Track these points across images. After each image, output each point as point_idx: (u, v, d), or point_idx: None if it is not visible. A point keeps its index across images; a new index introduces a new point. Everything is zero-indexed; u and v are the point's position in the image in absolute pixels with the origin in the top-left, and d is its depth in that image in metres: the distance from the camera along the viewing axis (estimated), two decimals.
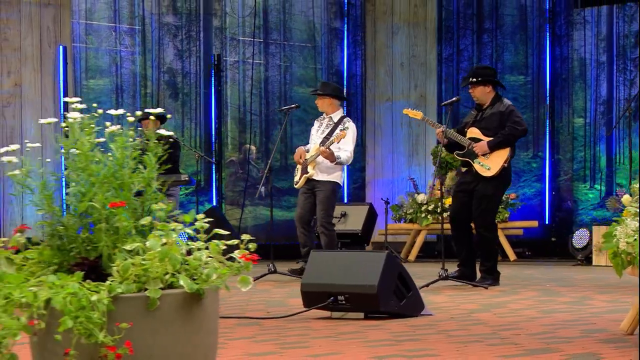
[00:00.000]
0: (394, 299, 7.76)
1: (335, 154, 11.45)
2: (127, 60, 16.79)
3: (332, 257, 8.89)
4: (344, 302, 7.79)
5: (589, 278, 11.61)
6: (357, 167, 18.27)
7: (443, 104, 12.30)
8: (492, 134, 10.56)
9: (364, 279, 7.79)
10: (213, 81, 17.14)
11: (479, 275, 10.34)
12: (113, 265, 3.75)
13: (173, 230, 3.78)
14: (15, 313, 3.56)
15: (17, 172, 3.93)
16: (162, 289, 3.62)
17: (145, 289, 3.57)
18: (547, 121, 17.72)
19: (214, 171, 16.76)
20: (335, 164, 11.64)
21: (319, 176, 11.57)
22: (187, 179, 13.90)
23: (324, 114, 11.92)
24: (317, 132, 11.93)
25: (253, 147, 17.23)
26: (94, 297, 3.49)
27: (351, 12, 18.43)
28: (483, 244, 10.71)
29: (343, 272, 8.14)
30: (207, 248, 3.81)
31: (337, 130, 11.58)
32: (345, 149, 11.54)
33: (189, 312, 3.68)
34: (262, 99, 17.43)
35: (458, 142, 10.70)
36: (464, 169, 11.10)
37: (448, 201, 14.96)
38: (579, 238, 15.09)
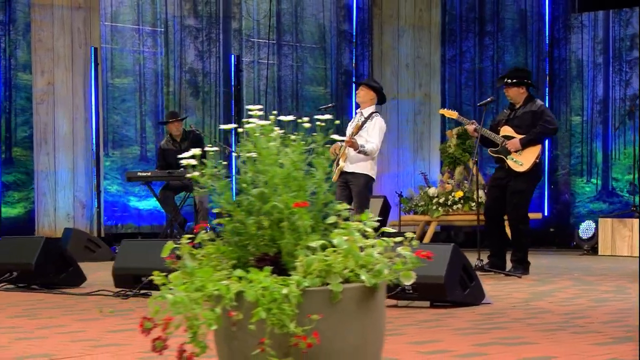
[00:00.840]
0: (458, 288, 7.90)
1: (359, 143, 11.22)
2: (150, 60, 16.73)
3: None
4: (411, 291, 7.83)
5: (608, 267, 11.74)
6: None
7: (479, 104, 12.19)
8: (524, 132, 10.64)
9: (432, 270, 7.41)
10: (232, 80, 17.12)
11: (508, 265, 10.39)
12: (295, 260, 3.84)
13: (353, 229, 3.83)
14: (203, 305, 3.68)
15: (196, 173, 4.06)
16: (341, 283, 3.73)
17: (326, 283, 3.66)
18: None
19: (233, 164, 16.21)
20: (359, 153, 11.32)
21: (350, 168, 11.25)
22: None
23: (359, 109, 11.61)
24: (349, 127, 11.62)
25: None
26: (285, 290, 3.58)
27: (359, 16, 18.51)
28: (516, 235, 10.89)
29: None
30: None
31: (369, 122, 11.36)
32: (371, 140, 11.25)
33: (366, 305, 3.75)
34: (276, 98, 17.51)
35: (492, 139, 10.81)
36: (497, 165, 11.12)
37: (458, 194, 15.26)
38: (585, 229, 15.21)
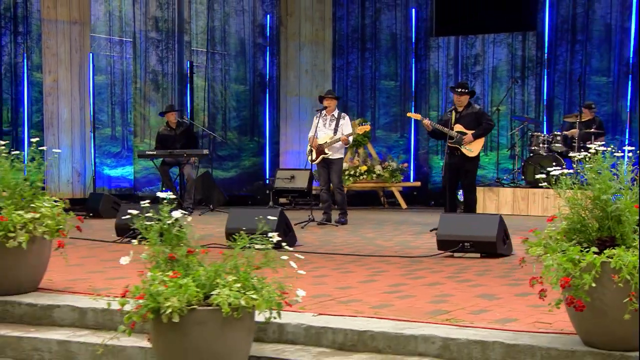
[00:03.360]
0: (501, 245, 9.87)
1: (347, 136, 13.87)
2: (121, 63, 19.24)
3: (460, 217, 11.10)
4: (469, 247, 9.83)
5: None
6: (274, 141, 21.20)
7: (408, 114, 14.85)
8: (471, 128, 12.79)
9: (486, 232, 9.91)
10: (188, 80, 19.81)
11: None
12: (632, 243, 5.09)
13: None
14: None
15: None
16: None
17: None
18: (413, 109, 20.56)
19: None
20: (346, 144, 14.33)
21: (333, 156, 13.98)
22: (206, 152, 16.71)
23: (325, 112, 14.21)
24: (324, 126, 14.19)
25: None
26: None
27: (271, 32, 21.15)
28: (469, 200, 13.13)
29: (469, 228, 10.22)
30: None
31: (341, 121, 14.10)
32: (347, 132, 13.99)
33: None
34: (209, 92, 20.22)
35: (444, 132, 12.87)
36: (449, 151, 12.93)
37: (363, 168, 18.28)
38: (461, 194, 15.95)
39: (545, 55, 19.67)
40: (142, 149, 18.59)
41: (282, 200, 19.13)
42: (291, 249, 6.13)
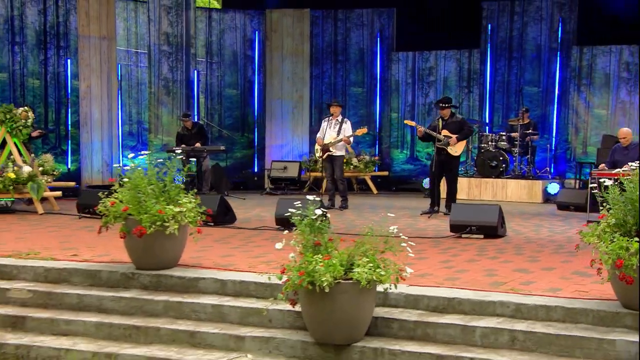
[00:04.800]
0: (500, 228, 10.61)
1: (346, 136, 14.23)
2: (138, 72, 19.76)
3: (467, 207, 11.56)
4: (475, 230, 10.56)
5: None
6: (261, 137, 21.46)
7: (406, 122, 15.17)
8: (455, 133, 13.31)
9: (488, 218, 10.65)
10: (195, 86, 20.25)
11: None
12: None
13: None
14: None
15: None
16: None
17: None
18: (376, 113, 21.26)
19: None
20: (347, 143, 14.62)
21: (336, 153, 14.32)
22: (223, 149, 17.22)
23: (331, 117, 14.53)
24: (329, 128, 14.42)
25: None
26: None
27: (258, 46, 21.50)
28: (451, 189, 13.57)
29: (475, 213, 10.86)
30: None
31: (343, 125, 14.35)
32: (348, 134, 14.34)
33: None
34: (209, 96, 20.81)
35: (435, 136, 13.32)
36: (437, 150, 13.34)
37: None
38: (425, 183, 17.98)
39: (487, 68, 20.38)
40: (155, 143, 19.30)
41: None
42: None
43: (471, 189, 17.67)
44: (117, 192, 8.17)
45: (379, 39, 21.40)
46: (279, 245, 6.89)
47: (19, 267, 8.52)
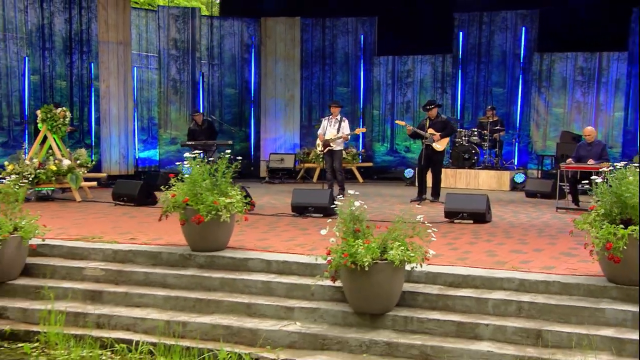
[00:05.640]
0: (487, 214, 11.22)
1: (345, 134, 14.54)
2: (148, 73, 20.20)
3: (459, 196, 11.80)
4: (466, 216, 11.12)
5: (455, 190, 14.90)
6: (256, 131, 21.75)
7: (416, 127, 14.42)
8: (439, 131, 13.84)
9: (478, 205, 11.20)
10: (200, 86, 20.60)
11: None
12: None
13: None
14: None
15: None
16: None
17: None
18: (361, 111, 21.55)
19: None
20: (345, 140, 14.82)
21: (336, 148, 14.58)
22: (231, 143, 17.40)
23: (331, 116, 14.70)
24: (329, 125, 14.64)
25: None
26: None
27: (254, 50, 21.79)
28: (436, 180, 14.08)
29: (466, 202, 11.35)
30: None
31: (342, 124, 14.55)
32: (346, 132, 14.64)
33: None
34: (210, 95, 21.10)
35: (422, 134, 13.82)
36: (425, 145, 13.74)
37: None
38: (409, 172, 19.05)
39: (459, 71, 20.89)
40: (164, 137, 19.82)
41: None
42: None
43: (447, 179, 18.07)
44: (174, 186, 8.70)
45: (362, 44, 21.70)
46: (323, 232, 7.55)
47: (89, 249, 9.09)
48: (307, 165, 20.15)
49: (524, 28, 20.21)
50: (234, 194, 8.76)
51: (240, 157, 9.56)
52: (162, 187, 9.23)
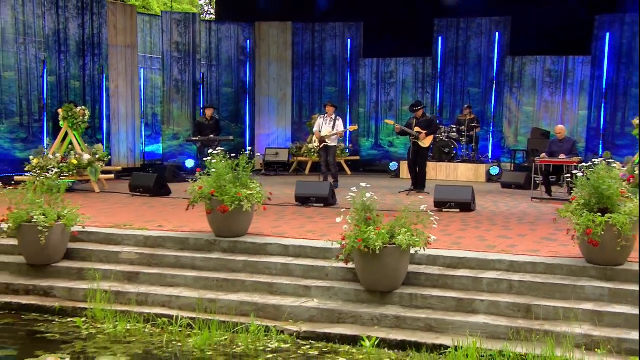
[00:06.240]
0: (472, 204, 11.66)
1: (339, 131, 14.92)
2: (152, 73, 20.56)
3: (448, 187, 12.24)
4: (454, 205, 11.56)
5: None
6: (251, 127, 21.98)
7: (404, 127, 14.56)
8: (425, 129, 14.21)
9: (464, 196, 11.64)
10: (201, 86, 20.85)
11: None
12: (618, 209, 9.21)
13: None
14: None
15: None
16: None
17: None
18: (348, 109, 21.85)
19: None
20: (339, 136, 15.18)
21: (330, 144, 15.02)
22: (232, 139, 17.81)
23: (326, 115, 15.04)
24: (325, 123, 14.99)
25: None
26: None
27: (249, 52, 22.05)
28: (422, 173, 14.46)
29: (454, 193, 11.77)
30: None
31: (337, 122, 14.91)
32: (340, 129, 15.07)
33: None
34: (209, 93, 21.34)
35: (409, 132, 14.17)
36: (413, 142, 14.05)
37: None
38: (394, 165, 19.58)
39: (438, 73, 21.34)
40: (167, 133, 20.10)
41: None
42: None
43: (429, 172, 17.86)
44: (200, 180, 9.18)
45: (349, 47, 21.98)
46: (338, 220, 8.07)
47: (123, 236, 9.56)
48: (299, 158, 20.51)
49: (497, 33, 20.71)
50: (253, 186, 9.20)
51: (251, 148, 9.83)
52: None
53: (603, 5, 19.30)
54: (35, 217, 8.60)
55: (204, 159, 15.99)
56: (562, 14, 19.40)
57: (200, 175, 9.16)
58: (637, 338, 6.64)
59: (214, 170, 9.06)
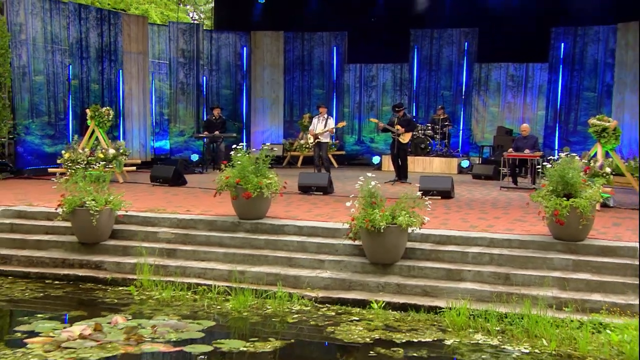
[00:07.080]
0: (452, 192, 12.34)
1: (331, 128, 15.24)
2: (159, 77, 20.94)
3: (431, 177, 12.97)
4: (436, 193, 12.20)
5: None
6: (248, 125, 22.34)
7: (386, 124, 15.06)
8: (404, 126, 14.83)
9: (445, 185, 12.34)
10: (203, 88, 21.19)
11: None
12: (579, 194, 10.73)
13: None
14: None
15: None
16: None
17: None
18: (334, 107, 21.96)
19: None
20: (330, 132, 15.46)
21: (323, 140, 15.29)
22: (235, 136, 18.33)
23: (319, 114, 15.30)
24: (318, 122, 15.26)
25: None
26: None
27: (246, 58, 22.34)
28: (403, 166, 15.10)
29: (436, 182, 12.25)
30: None
31: (328, 120, 15.24)
32: (331, 126, 15.41)
33: None
34: (210, 95, 21.67)
35: (390, 130, 14.74)
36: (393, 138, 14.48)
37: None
38: (376, 159, 20.18)
39: (414, 77, 21.91)
40: (174, 130, 20.57)
41: None
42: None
43: (408, 164, 19.03)
44: (226, 170, 9.85)
45: (335, 54, 22.30)
46: (348, 204, 8.81)
47: (159, 218, 10.21)
48: (292, 153, 21.01)
49: (466, 43, 21.34)
50: (271, 176, 9.90)
51: (271, 144, 10.41)
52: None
53: (558, 19, 20.12)
54: (87, 202, 9.23)
55: (212, 153, 17.21)
56: (523, 26, 20.15)
57: (225, 167, 9.75)
58: (598, 299, 7.46)
59: (239, 162, 9.68)
